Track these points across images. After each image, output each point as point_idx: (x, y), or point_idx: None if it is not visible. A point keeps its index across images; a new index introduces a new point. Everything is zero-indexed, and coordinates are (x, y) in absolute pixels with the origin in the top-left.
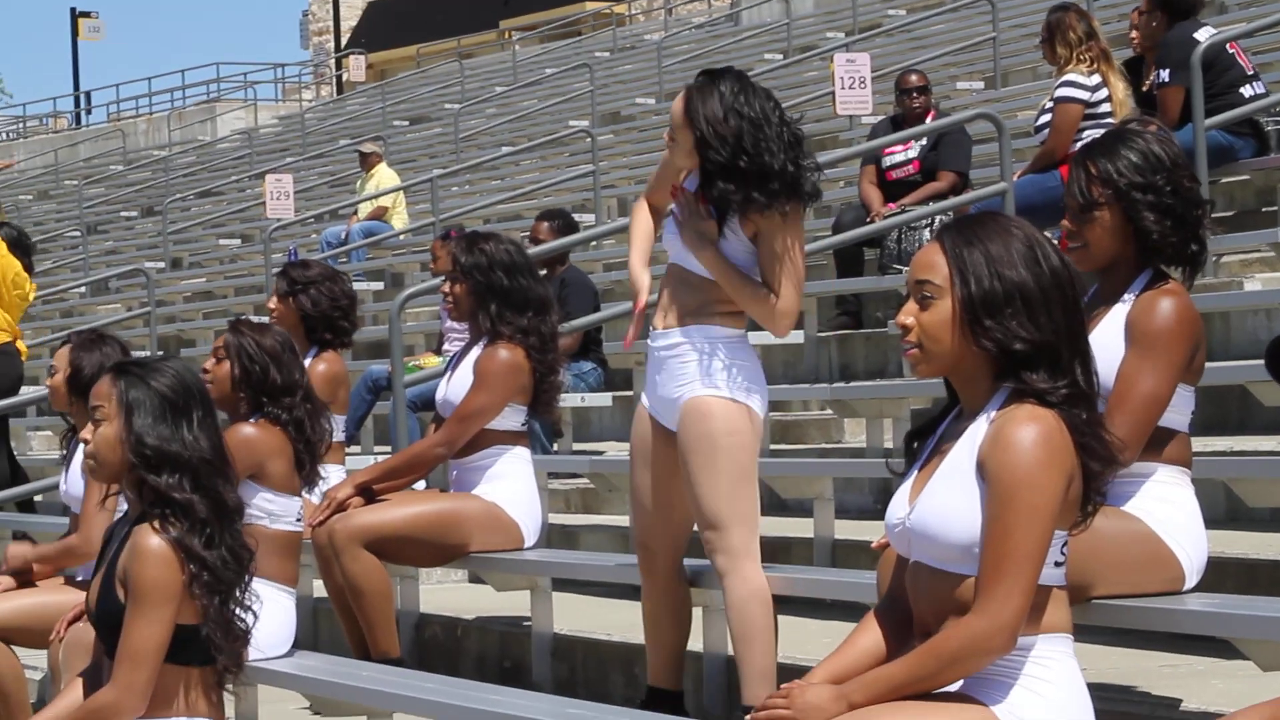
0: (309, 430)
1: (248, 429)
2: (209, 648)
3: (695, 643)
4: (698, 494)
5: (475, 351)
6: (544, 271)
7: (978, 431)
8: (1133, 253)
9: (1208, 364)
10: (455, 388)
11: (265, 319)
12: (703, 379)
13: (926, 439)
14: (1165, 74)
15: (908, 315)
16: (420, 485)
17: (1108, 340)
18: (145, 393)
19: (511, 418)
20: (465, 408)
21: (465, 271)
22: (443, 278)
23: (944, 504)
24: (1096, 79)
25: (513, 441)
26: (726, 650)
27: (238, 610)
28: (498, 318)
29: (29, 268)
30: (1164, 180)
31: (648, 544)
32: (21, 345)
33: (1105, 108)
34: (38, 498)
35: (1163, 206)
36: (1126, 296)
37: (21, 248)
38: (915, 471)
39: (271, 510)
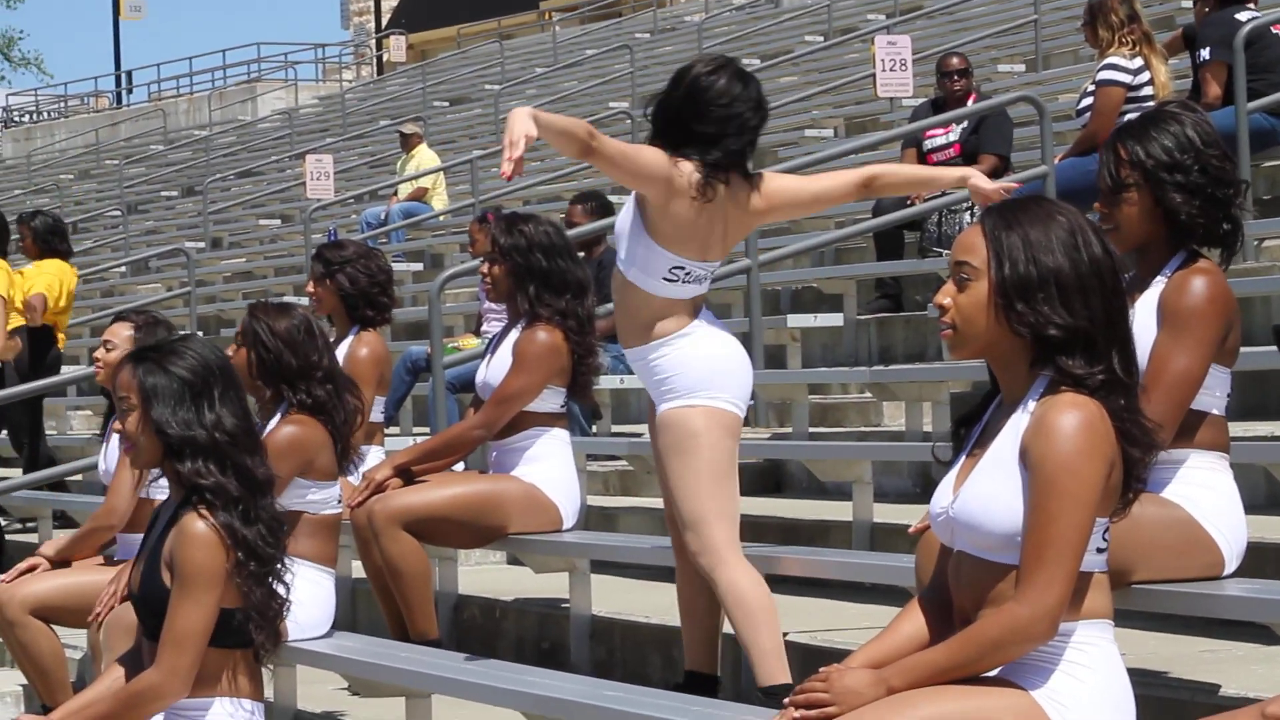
0: (333, 410)
1: (289, 429)
2: (250, 631)
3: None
4: (673, 498)
5: (514, 333)
6: (582, 254)
7: (1020, 420)
8: (1165, 234)
9: (1247, 348)
10: (494, 370)
11: (297, 300)
12: (661, 394)
13: (972, 426)
14: (1205, 52)
15: (945, 295)
16: (459, 467)
17: (1143, 322)
18: (163, 379)
19: (550, 399)
20: (504, 390)
21: (504, 253)
22: (482, 259)
23: (987, 493)
24: (1139, 62)
25: (551, 423)
26: None
27: (275, 584)
28: (536, 299)
29: (68, 252)
30: (1192, 160)
31: (673, 520)
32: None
33: (1147, 91)
34: (77, 476)
35: (1191, 186)
36: (1159, 278)
37: (59, 233)
38: (961, 460)
39: (315, 499)
